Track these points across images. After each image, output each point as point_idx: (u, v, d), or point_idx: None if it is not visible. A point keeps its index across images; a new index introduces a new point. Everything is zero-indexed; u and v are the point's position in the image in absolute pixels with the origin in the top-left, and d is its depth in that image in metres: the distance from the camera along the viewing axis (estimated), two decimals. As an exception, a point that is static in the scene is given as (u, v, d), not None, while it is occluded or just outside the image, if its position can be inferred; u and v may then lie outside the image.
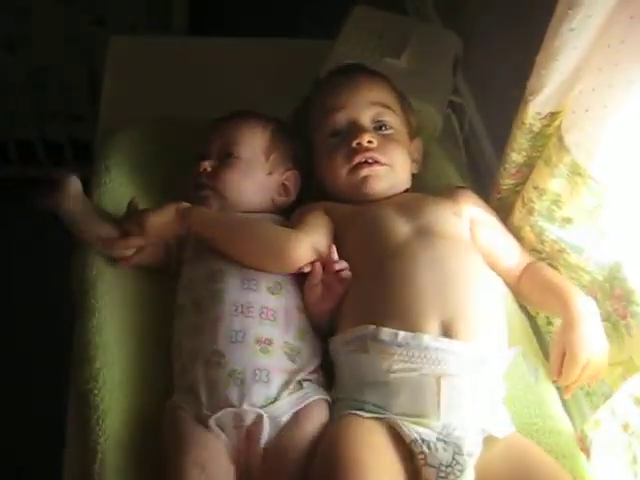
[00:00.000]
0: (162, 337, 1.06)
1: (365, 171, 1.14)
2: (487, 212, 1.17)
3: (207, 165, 1.16)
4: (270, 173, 1.19)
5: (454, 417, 0.91)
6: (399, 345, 0.94)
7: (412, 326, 0.95)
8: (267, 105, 1.27)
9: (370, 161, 1.14)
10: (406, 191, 1.20)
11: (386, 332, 0.95)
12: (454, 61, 1.50)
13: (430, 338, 0.94)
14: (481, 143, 1.46)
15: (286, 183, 1.21)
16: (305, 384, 0.98)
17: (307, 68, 1.48)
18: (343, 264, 1.03)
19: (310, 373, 1.00)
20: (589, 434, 0.97)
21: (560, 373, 1.01)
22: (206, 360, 0.97)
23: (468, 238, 1.11)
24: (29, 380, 1.70)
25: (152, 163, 1.30)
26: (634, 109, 0.86)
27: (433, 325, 0.95)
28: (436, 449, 0.88)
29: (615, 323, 1.02)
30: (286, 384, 0.97)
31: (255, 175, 1.18)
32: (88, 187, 1.20)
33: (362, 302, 1.02)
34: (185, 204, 1.09)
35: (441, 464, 0.87)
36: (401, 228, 1.07)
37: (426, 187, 1.24)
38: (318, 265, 1.04)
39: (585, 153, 0.96)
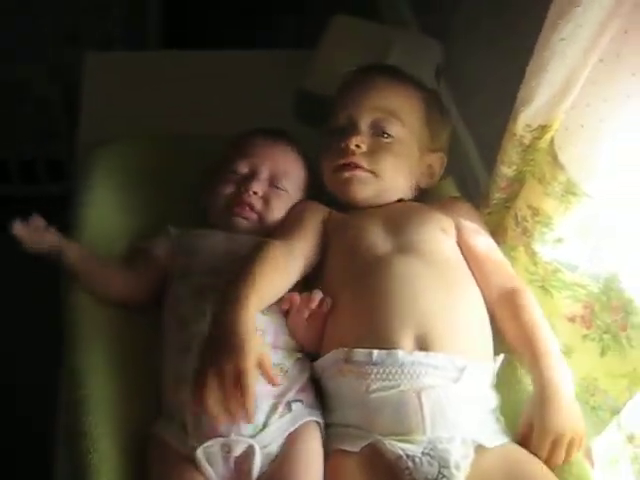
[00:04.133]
0: (149, 364, 1.04)
1: (346, 174, 1.14)
2: (479, 225, 1.15)
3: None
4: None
5: (440, 430, 0.90)
6: (374, 364, 0.93)
7: (386, 343, 0.95)
8: (247, 117, 1.26)
9: (353, 165, 1.13)
10: (400, 200, 1.18)
11: (358, 353, 0.95)
12: (436, 69, 1.49)
13: (405, 353, 0.93)
14: (468, 153, 1.44)
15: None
16: (294, 406, 0.96)
17: (289, 79, 1.48)
18: (318, 296, 1.01)
19: (298, 392, 0.98)
20: (592, 446, 0.97)
21: (527, 445, 0.94)
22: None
23: (453, 254, 1.09)
24: (13, 380, 1.68)
25: (134, 180, 1.27)
26: (632, 123, 0.85)
27: (407, 340, 0.95)
28: (421, 463, 0.87)
29: (615, 335, 1.01)
30: (274, 408, 0.94)
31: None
32: (66, 206, 1.18)
33: (338, 324, 1.01)
34: None
35: (426, 479, 0.86)
36: (382, 245, 1.06)
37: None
38: (296, 300, 1.02)
39: (581, 170, 0.95)
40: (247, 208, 1.14)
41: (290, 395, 0.96)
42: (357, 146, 1.13)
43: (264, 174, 1.16)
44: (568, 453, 0.93)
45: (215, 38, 1.82)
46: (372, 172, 1.14)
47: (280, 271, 1.02)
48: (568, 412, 0.94)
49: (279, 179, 1.17)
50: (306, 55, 1.51)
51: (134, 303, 1.11)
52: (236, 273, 0.98)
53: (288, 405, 0.96)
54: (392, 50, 1.45)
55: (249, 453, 0.91)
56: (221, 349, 0.87)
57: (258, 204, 1.15)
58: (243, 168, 1.17)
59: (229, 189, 1.16)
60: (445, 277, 1.03)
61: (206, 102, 1.48)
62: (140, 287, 1.11)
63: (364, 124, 1.15)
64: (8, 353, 1.70)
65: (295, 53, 1.61)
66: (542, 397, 0.94)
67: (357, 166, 1.13)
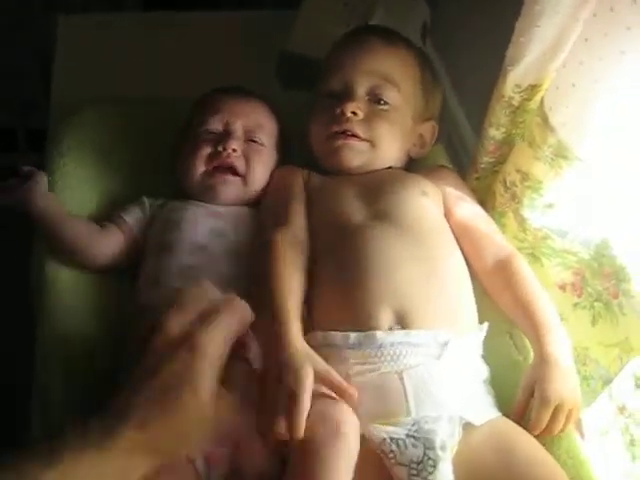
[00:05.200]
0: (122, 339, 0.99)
1: (340, 142, 1.09)
2: (465, 192, 1.11)
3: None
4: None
5: (426, 409, 0.86)
6: (352, 347, 0.90)
7: (364, 323, 0.91)
8: (229, 81, 1.21)
9: (349, 133, 1.08)
10: (389, 168, 1.13)
11: (335, 336, 0.91)
12: (422, 29, 1.45)
13: (383, 334, 0.89)
14: (455, 116, 1.40)
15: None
16: None
17: (270, 40, 1.44)
18: None
19: None
20: (583, 417, 0.94)
21: (523, 414, 0.91)
22: None
23: (435, 220, 1.05)
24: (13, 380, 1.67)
25: (107, 144, 1.22)
26: (627, 81, 0.80)
27: (385, 317, 0.91)
28: (406, 446, 0.84)
29: (607, 303, 0.98)
30: None
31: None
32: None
33: (316, 303, 0.97)
34: None
35: (412, 461, 0.83)
36: (357, 213, 1.03)
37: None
38: None
39: (572, 132, 0.90)
40: (229, 175, 1.10)
41: None
42: (353, 113, 1.08)
43: (239, 130, 1.11)
44: (565, 423, 0.90)
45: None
46: (368, 141, 1.09)
47: (298, 263, 0.98)
48: (568, 382, 0.91)
49: (255, 133, 1.12)
50: (291, 16, 1.46)
51: (99, 266, 1.06)
52: (258, 284, 0.95)
53: None
54: (377, 9, 1.40)
55: None
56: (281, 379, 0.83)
57: (240, 164, 1.10)
58: (216, 126, 1.12)
59: (205, 151, 1.10)
60: (424, 244, 0.99)
61: (186, 65, 1.43)
62: (108, 250, 1.06)
63: (361, 90, 1.10)
64: (8, 353, 1.68)
65: (280, 13, 1.55)
66: (543, 367, 0.91)
67: (353, 134, 1.08)
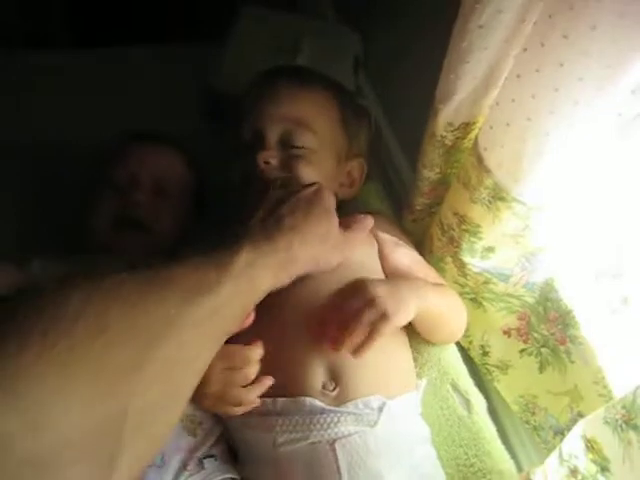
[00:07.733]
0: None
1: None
2: (401, 238, 1.04)
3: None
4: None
5: None
6: (279, 414, 0.82)
7: (293, 387, 0.83)
8: (157, 117, 1.19)
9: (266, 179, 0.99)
10: None
11: (261, 403, 0.82)
12: (354, 62, 1.40)
13: (313, 400, 0.82)
14: (390, 150, 1.34)
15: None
16: (206, 462, 0.84)
17: (196, 76, 1.38)
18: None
19: (212, 446, 0.86)
20: (533, 478, 0.88)
21: None
22: None
23: (369, 269, 0.96)
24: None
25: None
26: (561, 118, 0.74)
27: (317, 377, 0.83)
28: None
29: (554, 349, 0.92)
30: (184, 465, 0.82)
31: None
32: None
33: None
34: None
35: None
36: None
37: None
38: None
39: (508, 173, 0.84)
40: (133, 230, 1.04)
41: (203, 450, 0.84)
42: (266, 162, 1.00)
43: (146, 182, 1.06)
44: (374, 328, 0.82)
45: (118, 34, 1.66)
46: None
47: None
48: (397, 291, 0.85)
49: (163, 185, 1.07)
50: (216, 50, 1.40)
51: None
52: None
53: (200, 462, 0.84)
54: (304, 43, 1.35)
55: None
56: None
57: (145, 216, 1.05)
58: (122, 178, 1.06)
59: (111, 204, 1.05)
60: None
61: (114, 104, 1.34)
62: None
63: (272, 138, 1.01)
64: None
65: (205, 48, 1.48)
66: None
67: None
